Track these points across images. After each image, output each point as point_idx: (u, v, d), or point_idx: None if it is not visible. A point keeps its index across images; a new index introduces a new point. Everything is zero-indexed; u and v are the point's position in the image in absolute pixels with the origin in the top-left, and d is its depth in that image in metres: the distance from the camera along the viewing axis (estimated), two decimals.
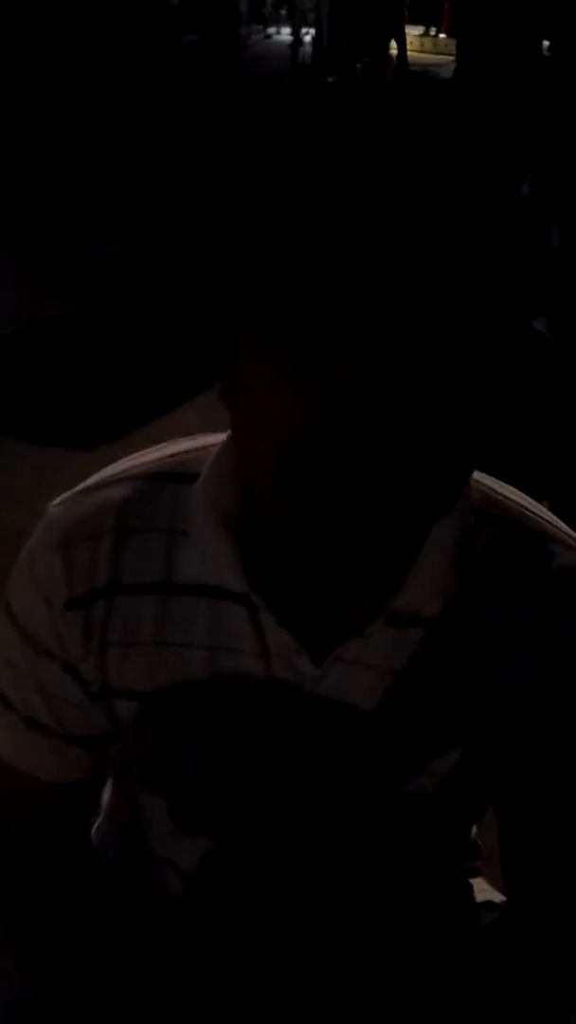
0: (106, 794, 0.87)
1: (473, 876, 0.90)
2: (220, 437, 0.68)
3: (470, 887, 0.89)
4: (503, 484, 0.71)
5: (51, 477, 2.57)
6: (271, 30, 14.77)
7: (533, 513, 0.70)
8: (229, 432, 0.64)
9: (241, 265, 0.52)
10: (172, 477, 0.67)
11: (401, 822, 0.71)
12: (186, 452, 0.69)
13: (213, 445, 0.68)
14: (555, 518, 0.72)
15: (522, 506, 0.70)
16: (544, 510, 0.72)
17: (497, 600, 0.67)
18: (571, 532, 0.71)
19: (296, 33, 9.06)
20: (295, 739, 0.68)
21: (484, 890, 0.90)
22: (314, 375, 0.49)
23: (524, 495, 0.72)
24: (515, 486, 0.72)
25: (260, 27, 14.80)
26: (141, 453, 0.71)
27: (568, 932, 0.76)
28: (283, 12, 14.37)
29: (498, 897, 0.88)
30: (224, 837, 0.73)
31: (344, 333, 0.48)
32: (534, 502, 0.72)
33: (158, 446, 0.71)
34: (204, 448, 0.69)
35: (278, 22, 14.84)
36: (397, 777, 0.69)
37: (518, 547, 0.68)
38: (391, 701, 0.66)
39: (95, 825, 0.88)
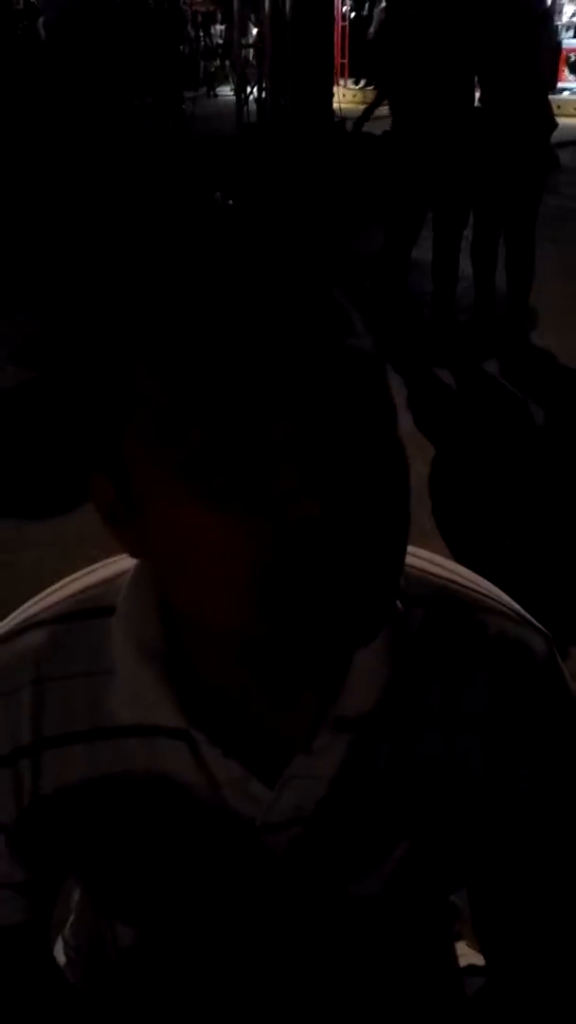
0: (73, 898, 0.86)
1: (456, 940, 0.89)
2: (125, 565, 0.66)
3: (451, 954, 0.87)
4: (423, 554, 0.69)
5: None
6: (219, 89, 15.12)
7: (460, 585, 0.68)
8: (137, 564, 0.63)
9: (161, 448, 0.52)
10: (85, 615, 0.65)
11: (363, 915, 0.70)
12: (94, 587, 0.66)
13: (120, 575, 0.66)
14: (486, 584, 0.71)
15: (447, 579, 0.68)
16: (473, 577, 0.71)
17: (438, 684, 0.66)
18: (502, 597, 0.70)
19: (240, 93, 9.24)
20: (251, 860, 0.66)
21: (466, 954, 0.88)
22: (252, 505, 0.50)
23: (447, 562, 0.71)
24: None
25: (206, 88, 15.18)
26: (45, 593, 0.68)
27: (548, 999, 0.74)
28: (228, 73, 14.73)
29: (480, 960, 0.86)
30: (186, 948, 0.72)
31: (274, 461, 0.50)
32: (460, 569, 0.70)
33: (61, 583, 0.68)
34: (111, 580, 0.66)
35: (224, 82, 15.20)
36: (352, 876, 0.68)
37: (450, 625, 0.66)
38: (344, 807, 0.65)
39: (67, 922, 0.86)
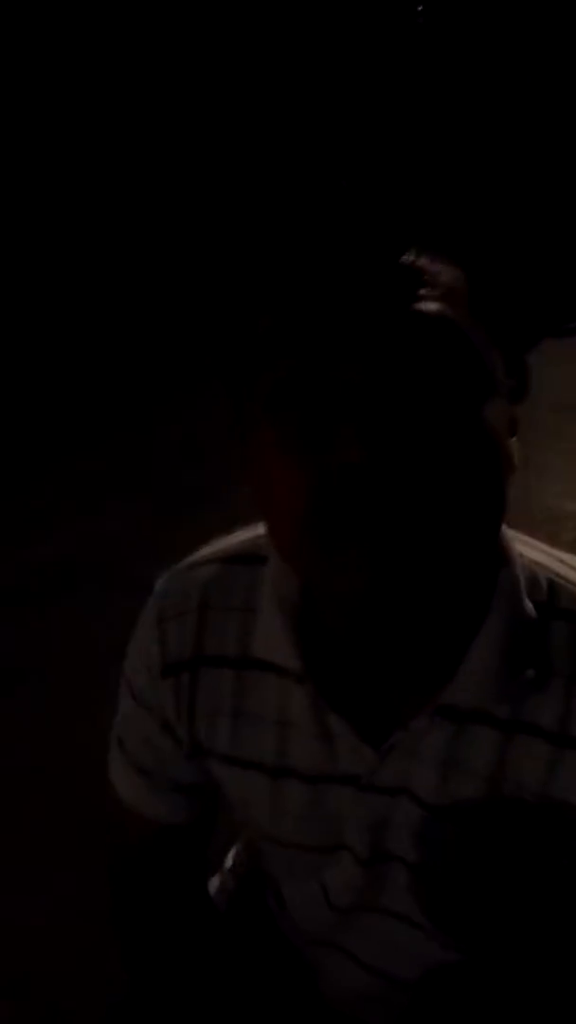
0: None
1: None
2: None
3: None
4: None
5: None
6: None
7: None
8: None
9: (259, 379, 0.58)
10: (248, 559, 0.74)
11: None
12: (258, 537, 0.74)
13: None
14: None
15: None
16: None
17: (560, 701, 0.65)
18: None
19: None
20: (360, 816, 0.71)
21: None
22: (312, 443, 0.55)
23: None
24: None
25: None
26: (224, 537, 0.78)
27: None
28: None
29: None
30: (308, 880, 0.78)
31: (332, 405, 0.55)
32: None
33: (238, 532, 0.78)
34: None
35: None
36: (460, 864, 0.70)
37: None
38: (450, 794, 0.67)
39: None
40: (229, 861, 0.99)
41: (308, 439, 0.55)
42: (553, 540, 0.75)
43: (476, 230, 0.61)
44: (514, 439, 0.61)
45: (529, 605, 0.66)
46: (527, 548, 0.70)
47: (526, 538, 0.71)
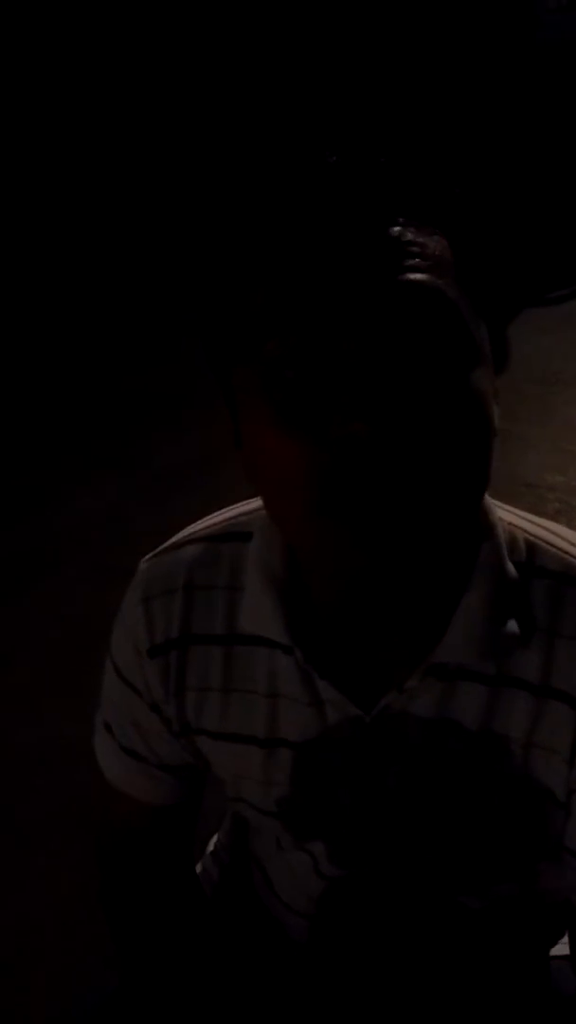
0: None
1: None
2: None
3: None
4: (566, 533, 0.71)
5: None
6: None
7: None
8: None
9: (254, 356, 0.58)
10: (230, 537, 0.75)
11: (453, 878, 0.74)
12: (244, 514, 0.76)
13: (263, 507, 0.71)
14: None
15: None
16: None
17: (541, 655, 0.67)
18: None
19: None
20: (358, 779, 0.72)
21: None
22: (311, 416, 0.55)
23: None
24: None
25: None
26: (208, 517, 0.79)
27: None
28: None
29: None
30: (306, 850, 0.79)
31: (329, 378, 0.55)
32: None
33: (222, 510, 0.79)
34: (257, 510, 0.75)
35: None
36: (449, 819, 0.72)
37: (568, 603, 0.68)
38: (435, 753, 0.70)
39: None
40: (211, 847, 0.99)
41: (306, 413, 0.55)
42: (536, 512, 0.76)
43: (462, 201, 0.61)
44: (496, 408, 0.62)
45: (511, 566, 0.68)
46: (506, 513, 0.72)
47: (504, 505, 0.73)
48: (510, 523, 0.71)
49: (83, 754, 0.89)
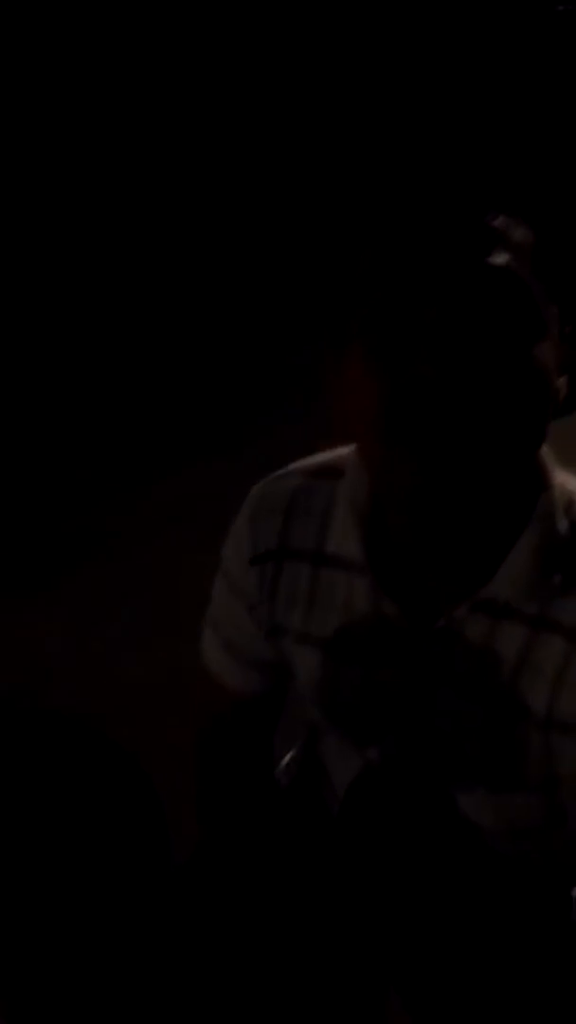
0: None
1: None
2: None
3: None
4: None
5: None
6: None
7: None
8: None
9: (358, 306, 0.72)
10: (326, 473, 0.88)
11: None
12: (339, 456, 0.88)
13: None
14: None
15: None
16: None
17: None
18: None
19: None
20: (410, 696, 0.84)
21: None
22: (392, 358, 0.69)
23: None
24: None
25: None
26: (311, 456, 0.92)
27: None
28: None
29: None
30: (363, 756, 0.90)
31: (411, 332, 0.68)
32: None
33: (325, 452, 0.91)
34: (351, 454, 0.86)
35: None
36: (485, 744, 0.82)
37: None
38: (482, 678, 0.80)
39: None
40: (283, 763, 1.11)
41: (389, 354, 0.69)
42: None
43: (547, 196, 0.72)
44: (562, 378, 0.73)
45: (564, 523, 0.78)
46: (568, 478, 0.82)
47: (568, 472, 0.82)
48: (572, 489, 0.80)
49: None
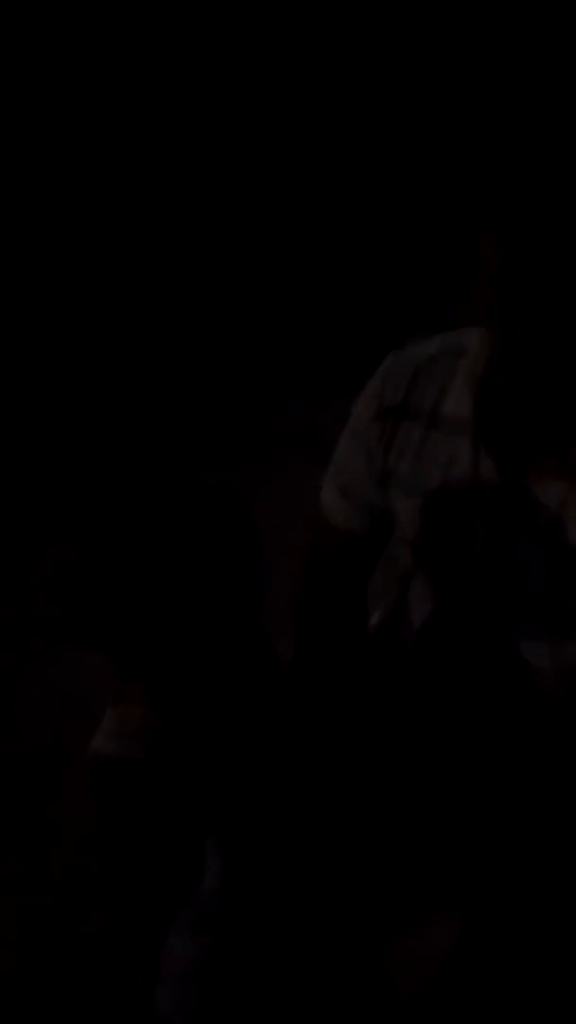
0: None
1: None
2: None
3: None
4: None
5: None
6: None
7: None
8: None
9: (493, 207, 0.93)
10: (453, 347, 1.07)
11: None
12: (462, 334, 1.07)
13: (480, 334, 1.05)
14: None
15: None
16: None
17: None
18: None
19: None
20: (494, 542, 1.03)
21: None
22: (513, 235, 0.90)
23: None
24: None
25: None
26: (439, 334, 1.10)
27: None
28: None
29: None
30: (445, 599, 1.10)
31: (538, 213, 0.90)
32: None
33: (451, 332, 1.10)
34: (473, 333, 1.05)
35: None
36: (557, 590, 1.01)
37: None
38: (558, 529, 0.99)
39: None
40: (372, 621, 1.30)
41: (512, 232, 0.90)
42: None
43: None
44: None
45: None
46: None
47: None
48: None
49: None
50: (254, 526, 0.89)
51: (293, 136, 4.37)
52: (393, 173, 4.28)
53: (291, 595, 1.21)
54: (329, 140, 4.37)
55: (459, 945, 1.15)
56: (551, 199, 0.89)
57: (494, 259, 0.92)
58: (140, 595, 0.82)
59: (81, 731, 0.93)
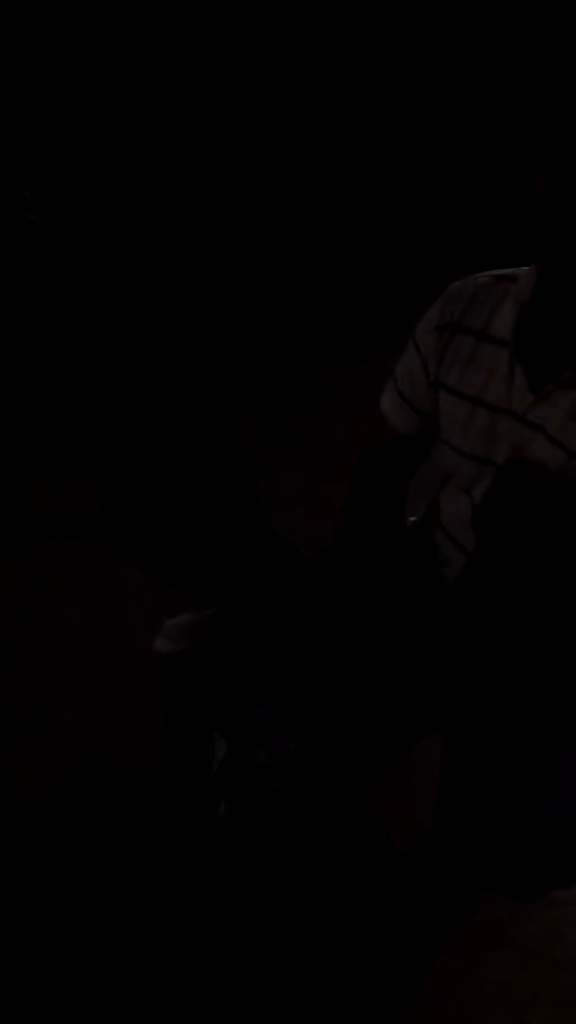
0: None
1: None
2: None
3: None
4: None
5: None
6: None
7: None
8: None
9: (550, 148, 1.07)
10: (507, 278, 1.24)
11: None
12: (519, 269, 1.23)
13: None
14: None
15: None
16: None
17: None
18: None
19: None
20: (512, 441, 1.21)
21: None
22: (562, 175, 1.03)
23: None
24: None
25: None
26: (497, 269, 1.27)
27: None
28: None
29: None
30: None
31: None
32: None
33: (507, 268, 1.27)
34: (525, 268, 1.22)
35: None
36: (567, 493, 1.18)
37: None
38: (571, 435, 1.17)
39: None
40: (408, 522, 1.51)
41: (556, 161, 1.03)
42: None
43: None
44: None
45: None
46: None
47: None
48: None
49: None
50: (246, 459, 1.10)
51: (334, 87, 4.42)
52: (452, 126, 4.37)
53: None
54: (375, 87, 4.41)
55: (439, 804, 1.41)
56: None
57: (543, 194, 1.05)
58: (164, 516, 1.05)
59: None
